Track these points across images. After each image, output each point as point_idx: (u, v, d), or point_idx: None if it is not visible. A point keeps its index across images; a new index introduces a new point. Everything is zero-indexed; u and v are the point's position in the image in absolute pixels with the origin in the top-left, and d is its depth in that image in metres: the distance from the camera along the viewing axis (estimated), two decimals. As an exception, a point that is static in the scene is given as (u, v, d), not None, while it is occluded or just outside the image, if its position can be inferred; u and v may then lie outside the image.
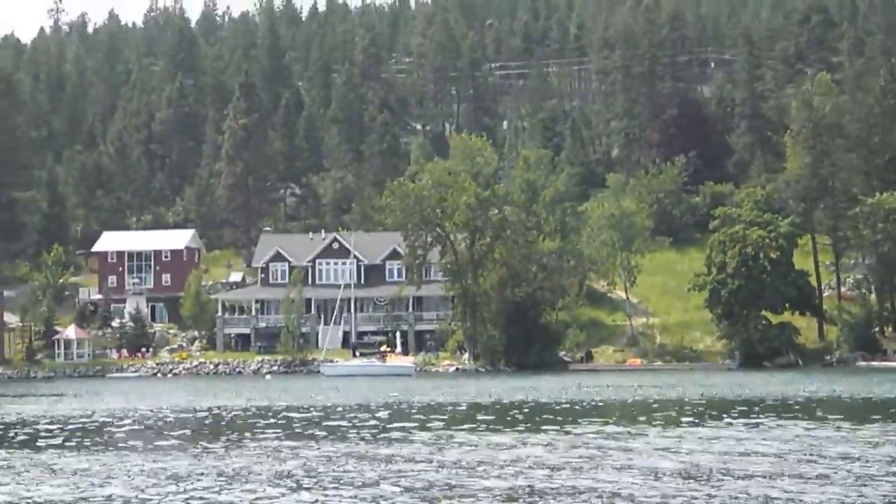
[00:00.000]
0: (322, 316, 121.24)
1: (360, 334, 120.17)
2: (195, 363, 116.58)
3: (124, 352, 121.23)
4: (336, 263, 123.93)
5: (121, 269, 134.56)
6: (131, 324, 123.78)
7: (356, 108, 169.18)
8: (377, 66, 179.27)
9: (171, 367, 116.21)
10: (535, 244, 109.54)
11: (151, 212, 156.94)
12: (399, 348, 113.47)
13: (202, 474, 25.49)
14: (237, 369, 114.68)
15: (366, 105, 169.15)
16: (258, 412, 48.39)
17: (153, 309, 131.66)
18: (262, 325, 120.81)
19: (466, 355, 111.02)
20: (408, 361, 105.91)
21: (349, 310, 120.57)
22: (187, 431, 38.51)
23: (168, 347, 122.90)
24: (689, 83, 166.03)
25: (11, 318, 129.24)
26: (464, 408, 49.03)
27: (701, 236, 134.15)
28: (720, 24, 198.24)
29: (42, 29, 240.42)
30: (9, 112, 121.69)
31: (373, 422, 40.77)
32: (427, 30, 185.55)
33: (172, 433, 37.42)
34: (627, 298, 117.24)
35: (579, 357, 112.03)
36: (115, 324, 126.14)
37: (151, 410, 51.37)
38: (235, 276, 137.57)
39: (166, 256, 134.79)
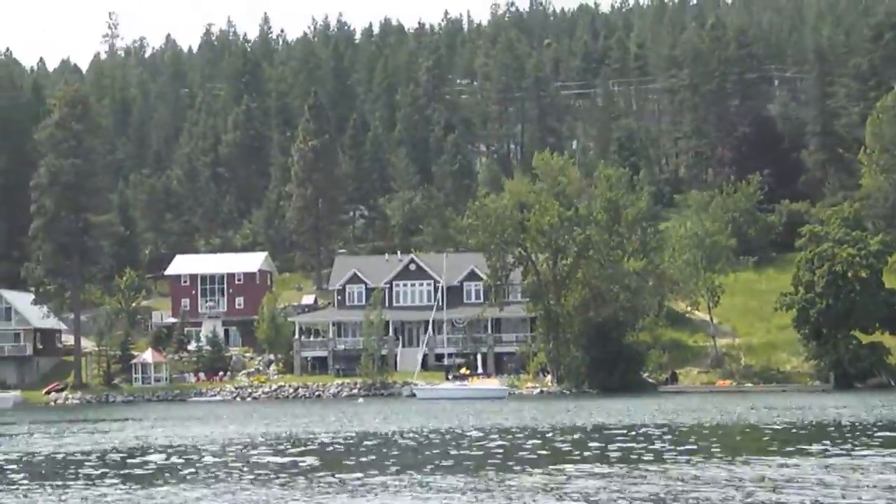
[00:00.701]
0: (400, 338, 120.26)
1: (439, 356, 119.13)
2: (274, 387, 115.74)
3: (201, 375, 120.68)
4: (413, 285, 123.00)
5: (194, 292, 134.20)
6: (208, 347, 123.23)
7: (422, 129, 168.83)
8: (441, 86, 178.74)
9: (250, 390, 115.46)
10: (620, 264, 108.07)
11: (219, 235, 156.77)
12: (481, 370, 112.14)
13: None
14: (316, 392, 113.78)
15: (431, 126, 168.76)
16: (454, 436, 44.98)
17: (227, 332, 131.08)
18: (341, 347, 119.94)
19: (549, 377, 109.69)
20: (495, 384, 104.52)
21: (428, 331, 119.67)
22: (448, 460, 33.86)
23: (245, 371, 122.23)
24: (758, 101, 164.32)
25: (86, 343, 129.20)
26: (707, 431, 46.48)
27: (777, 255, 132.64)
28: (781, 41, 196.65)
29: (98, 54, 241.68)
30: (85, 136, 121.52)
31: (658, 444, 38.48)
32: (491, 50, 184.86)
33: (448, 458, 34.35)
34: (711, 319, 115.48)
35: (664, 378, 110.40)
36: (190, 347, 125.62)
37: (330, 433, 48.57)
38: (308, 299, 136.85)
39: (239, 280, 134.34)
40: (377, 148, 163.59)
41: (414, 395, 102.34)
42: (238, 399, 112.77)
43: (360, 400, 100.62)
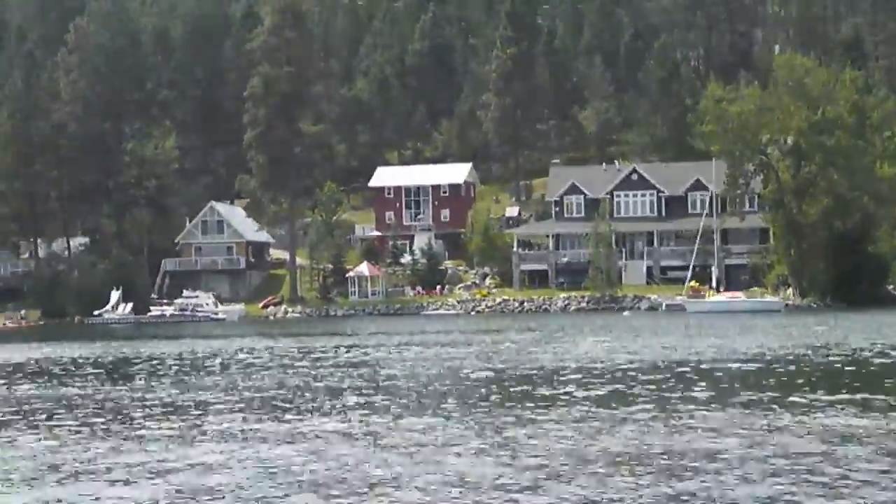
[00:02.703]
0: (623, 250, 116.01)
1: (663, 269, 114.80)
2: (498, 300, 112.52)
3: (419, 289, 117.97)
4: (636, 195, 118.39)
5: (398, 204, 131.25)
6: (423, 261, 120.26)
7: (610, 36, 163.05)
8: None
9: (473, 304, 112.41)
10: (872, 171, 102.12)
11: (409, 147, 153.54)
12: (714, 283, 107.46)
13: None
14: (543, 307, 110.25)
15: (620, 33, 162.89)
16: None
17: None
18: (563, 260, 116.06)
19: (790, 290, 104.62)
20: (740, 296, 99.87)
21: (651, 243, 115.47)
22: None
23: (462, 285, 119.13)
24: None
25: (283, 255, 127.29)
26: None
27: None
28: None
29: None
30: (297, 43, 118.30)
31: None
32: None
33: None
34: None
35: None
36: (403, 261, 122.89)
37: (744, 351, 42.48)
38: (511, 211, 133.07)
39: (444, 191, 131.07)
40: (567, 57, 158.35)
41: (653, 308, 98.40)
42: (461, 313, 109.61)
43: (626, 313, 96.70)
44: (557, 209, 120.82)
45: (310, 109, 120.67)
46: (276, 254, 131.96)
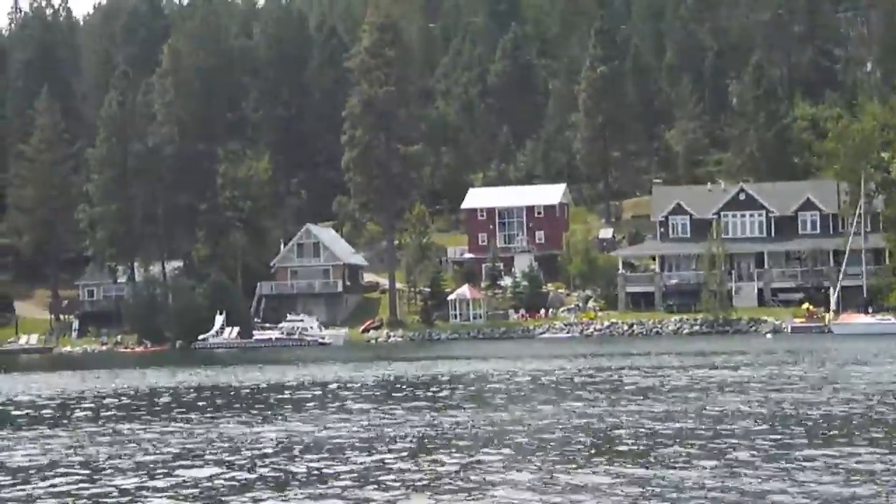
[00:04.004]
0: (732, 272, 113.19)
1: (774, 291, 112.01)
2: (606, 324, 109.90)
3: (522, 312, 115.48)
4: (744, 216, 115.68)
5: (491, 226, 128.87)
6: (525, 283, 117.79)
7: (692, 55, 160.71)
8: (709, 10, 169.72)
9: (580, 328, 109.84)
10: None
11: (493, 168, 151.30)
12: (834, 306, 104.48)
13: None
14: (654, 330, 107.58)
15: (703, 52, 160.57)
16: None
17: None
18: (672, 282, 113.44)
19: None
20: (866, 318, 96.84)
21: (760, 264, 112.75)
22: None
23: (564, 308, 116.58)
24: None
25: (383, 279, 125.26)
26: None
27: None
28: None
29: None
30: (395, 62, 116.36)
31: None
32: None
33: None
34: None
35: None
36: (502, 283, 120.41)
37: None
38: (605, 233, 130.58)
39: (539, 212, 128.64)
40: (651, 76, 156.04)
41: (772, 332, 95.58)
42: (570, 336, 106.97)
43: (768, 336, 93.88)
44: (662, 230, 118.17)
45: (408, 130, 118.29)
46: (368, 276, 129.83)
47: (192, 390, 43.72)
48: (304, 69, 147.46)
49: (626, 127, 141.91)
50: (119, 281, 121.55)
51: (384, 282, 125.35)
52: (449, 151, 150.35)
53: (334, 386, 43.39)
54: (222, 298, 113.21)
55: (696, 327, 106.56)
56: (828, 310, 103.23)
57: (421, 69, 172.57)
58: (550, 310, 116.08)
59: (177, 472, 19.70)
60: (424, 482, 17.82)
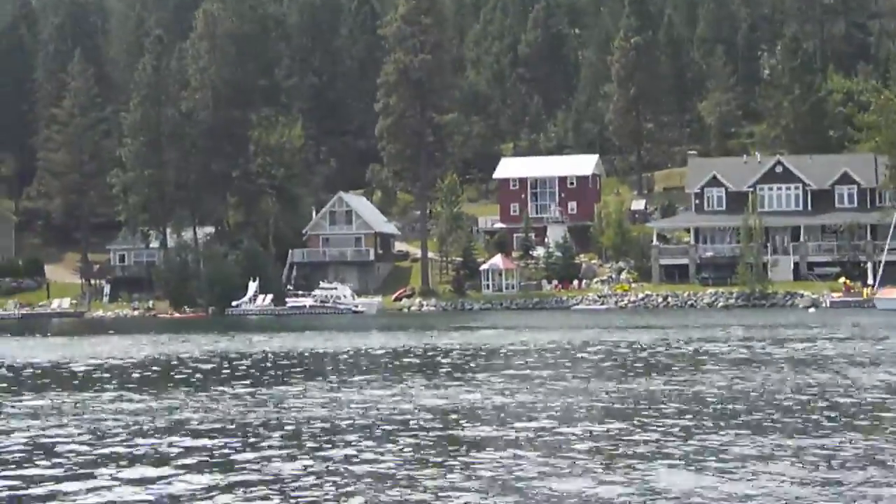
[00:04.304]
0: (768, 245, 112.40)
1: (810, 265, 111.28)
2: (640, 295, 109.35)
3: (555, 282, 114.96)
4: (780, 189, 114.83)
5: (523, 196, 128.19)
6: (558, 254, 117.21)
7: (725, 27, 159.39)
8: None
9: (614, 299, 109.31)
10: None
11: (524, 137, 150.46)
12: (871, 281, 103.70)
13: None
14: (688, 302, 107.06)
15: (736, 23, 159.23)
16: None
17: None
18: (708, 254, 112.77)
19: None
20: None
21: (796, 238, 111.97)
22: None
23: (598, 279, 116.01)
24: None
25: (415, 248, 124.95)
26: None
27: None
28: None
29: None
30: (433, 30, 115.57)
31: None
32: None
33: None
34: None
35: None
36: (535, 253, 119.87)
37: None
38: (637, 205, 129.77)
39: (572, 183, 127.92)
40: (679, 46, 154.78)
41: (811, 306, 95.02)
42: (603, 308, 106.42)
43: (811, 310, 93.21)
44: (697, 202, 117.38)
45: (443, 99, 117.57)
46: (399, 245, 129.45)
47: (284, 356, 43.02)
48: (335, 37, 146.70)
49: (658, 98, 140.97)
50: (151, 246, 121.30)
51: (415, 251, 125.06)
52: (479, 121, 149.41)
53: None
54: (254, 265, 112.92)
55: (732, 300, 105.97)
56: (865, 284, 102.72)
57: (452, 38, 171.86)
58: (584, 281, 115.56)
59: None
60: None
